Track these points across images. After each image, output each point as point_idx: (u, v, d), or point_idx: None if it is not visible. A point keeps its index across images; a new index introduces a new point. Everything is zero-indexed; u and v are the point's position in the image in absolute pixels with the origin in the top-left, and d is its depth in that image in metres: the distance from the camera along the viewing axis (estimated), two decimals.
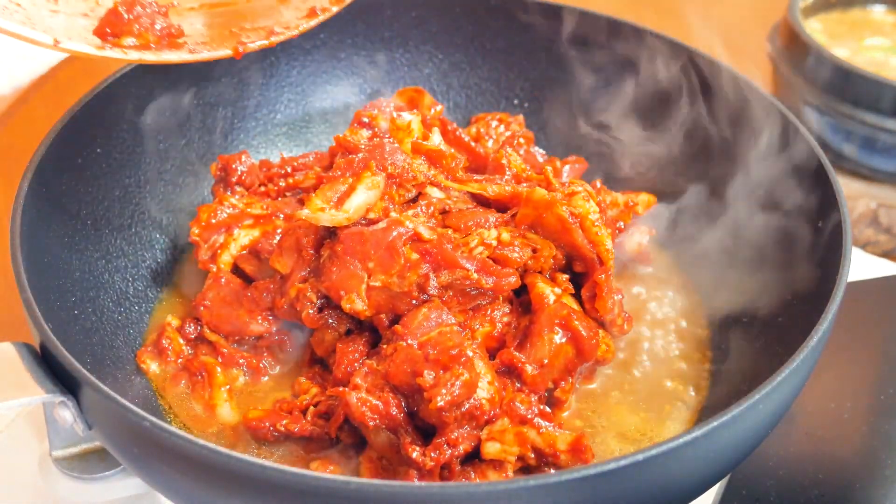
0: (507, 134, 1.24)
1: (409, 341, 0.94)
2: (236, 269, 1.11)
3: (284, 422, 0.97)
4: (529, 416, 0.91)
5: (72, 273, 1.03)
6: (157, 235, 1.18)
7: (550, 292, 1.00)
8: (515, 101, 1.36)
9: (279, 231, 1.09)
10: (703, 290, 1.16)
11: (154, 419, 0.75)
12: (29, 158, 1.00)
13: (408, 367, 0.91)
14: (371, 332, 1.02)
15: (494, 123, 1.25)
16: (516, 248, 1.01)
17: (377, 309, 0.99)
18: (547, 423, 0.91)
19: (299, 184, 1.16)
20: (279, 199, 1.16)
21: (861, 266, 1.33)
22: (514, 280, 1.00)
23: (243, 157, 1.16)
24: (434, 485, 0.74)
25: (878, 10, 1.63)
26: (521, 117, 1.27)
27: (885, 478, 1.06)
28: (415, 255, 0.97)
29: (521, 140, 1.24)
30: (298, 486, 0.71)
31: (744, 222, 1.13)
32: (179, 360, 1.06)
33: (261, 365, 1.06)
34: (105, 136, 1.12)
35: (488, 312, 1.01)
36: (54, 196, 1.03)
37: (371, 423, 0.91)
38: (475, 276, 0.98)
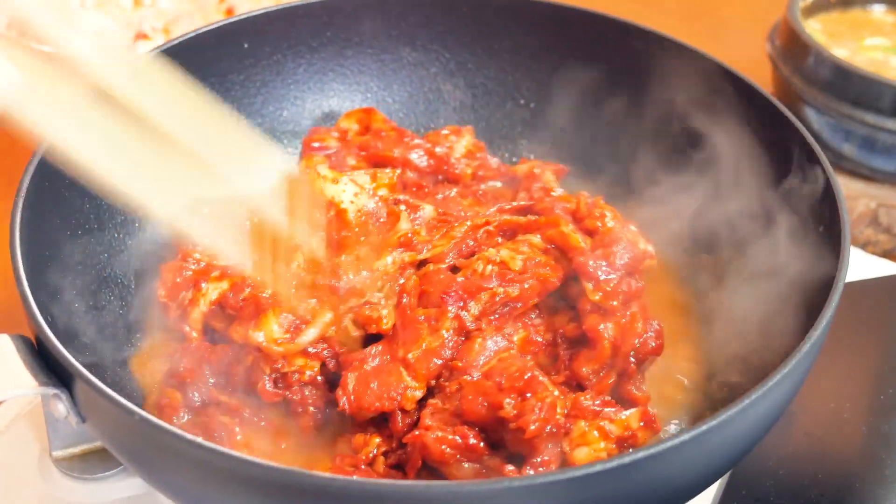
0: (462, 143, 1.25)
1: (475, 375, 0.93)
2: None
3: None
4: (598, 409, 0.91)
5: (73, 267, 1.03)
6: (161, 230, 1.18)
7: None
8: (522, 101, 1.35)
9: (249, 283, 1.03)
10: (699, 291, 1.16)
11: (145, 413, 0.75)
12: (29, 158, 0.99)
13: (483, 401, 0.89)
14: None
15: (445, 132, 1.25)
16: (518, 262, 1.01)
17: (434, 375, 0.96)
18: (611, 409, 0.91)
19: None
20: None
21: (861, 266, 1.33)
22: (534, 282, 0.99)
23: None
24: (419, 484, 0.73)
25: (878, 10, 1.63)
26: (470, 128, 1.28)
27: (885, 478, 1.06)
28: (432, 310, 0.97)
29: (471, 148, 1.25)
30: (285, 482, 0.71)
31: (743, 223, 1.13)
32: (186, 419, 0.99)
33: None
34: None
35: (505, 313, 1.00)
36: (57, 190, 1.02)
37: (453, 460, 0.89)
38: (500, 290, 0.98)
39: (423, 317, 0.96)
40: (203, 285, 1.04)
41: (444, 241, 1.03)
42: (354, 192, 1.07)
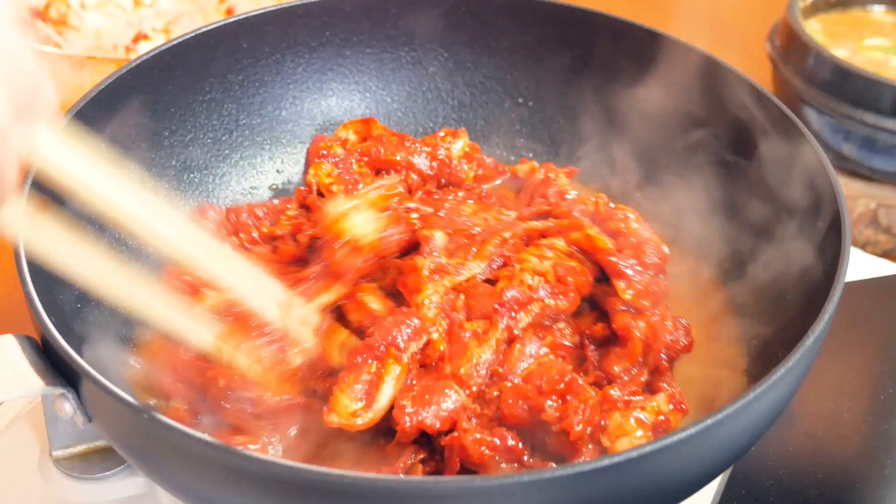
0: (459, 145, 1.25)
1: (515, 381, 0.93)
2: None
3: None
4: (628, 398, 0.91)
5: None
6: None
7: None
8: (520, 100, 1.36)
9: None
10: (697, 289, 1.16)
11: (153, 412, 0.75)
12: None
13: (525, 405, 0.89)
14: None
15: (442, 134, 1.26)
16: (556, 269, 1.01)
17: (482, 385, 0.95)
18: (640, 397, 0.92)
19: (272, 232, 1.14)
20: (254, 248, 1.12)
21: (861, 266, 1.33)
22: (575, 294, 1.00)
23: (209, 212, 1.13)
24: (428, 479, 0.74)
25: (878, 10, 1.63)
26: (464, 129, 1.29)
27: (885, 478, 1.06)
28: (479, 323, 0.97)
29: (468, 149, 1.26)
30: (293, 479, 0.71)
31: (742, 223, 1.13)
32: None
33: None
34: (110, 131, 1.12)
35: (544, 323, 1.01)
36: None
37: (492, 462, 0.88)
38: (552, 302, 0.98)
39: (469, 332, 0.95)
40: (204, 291, 1.01)
41: (479, 259, 1.02)
42: (375, 217, 1.05)
